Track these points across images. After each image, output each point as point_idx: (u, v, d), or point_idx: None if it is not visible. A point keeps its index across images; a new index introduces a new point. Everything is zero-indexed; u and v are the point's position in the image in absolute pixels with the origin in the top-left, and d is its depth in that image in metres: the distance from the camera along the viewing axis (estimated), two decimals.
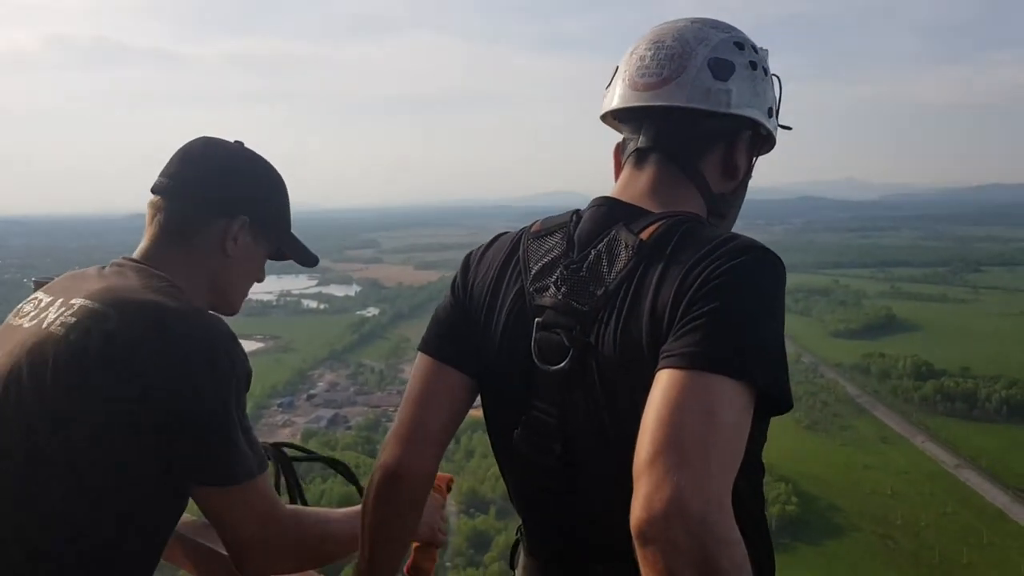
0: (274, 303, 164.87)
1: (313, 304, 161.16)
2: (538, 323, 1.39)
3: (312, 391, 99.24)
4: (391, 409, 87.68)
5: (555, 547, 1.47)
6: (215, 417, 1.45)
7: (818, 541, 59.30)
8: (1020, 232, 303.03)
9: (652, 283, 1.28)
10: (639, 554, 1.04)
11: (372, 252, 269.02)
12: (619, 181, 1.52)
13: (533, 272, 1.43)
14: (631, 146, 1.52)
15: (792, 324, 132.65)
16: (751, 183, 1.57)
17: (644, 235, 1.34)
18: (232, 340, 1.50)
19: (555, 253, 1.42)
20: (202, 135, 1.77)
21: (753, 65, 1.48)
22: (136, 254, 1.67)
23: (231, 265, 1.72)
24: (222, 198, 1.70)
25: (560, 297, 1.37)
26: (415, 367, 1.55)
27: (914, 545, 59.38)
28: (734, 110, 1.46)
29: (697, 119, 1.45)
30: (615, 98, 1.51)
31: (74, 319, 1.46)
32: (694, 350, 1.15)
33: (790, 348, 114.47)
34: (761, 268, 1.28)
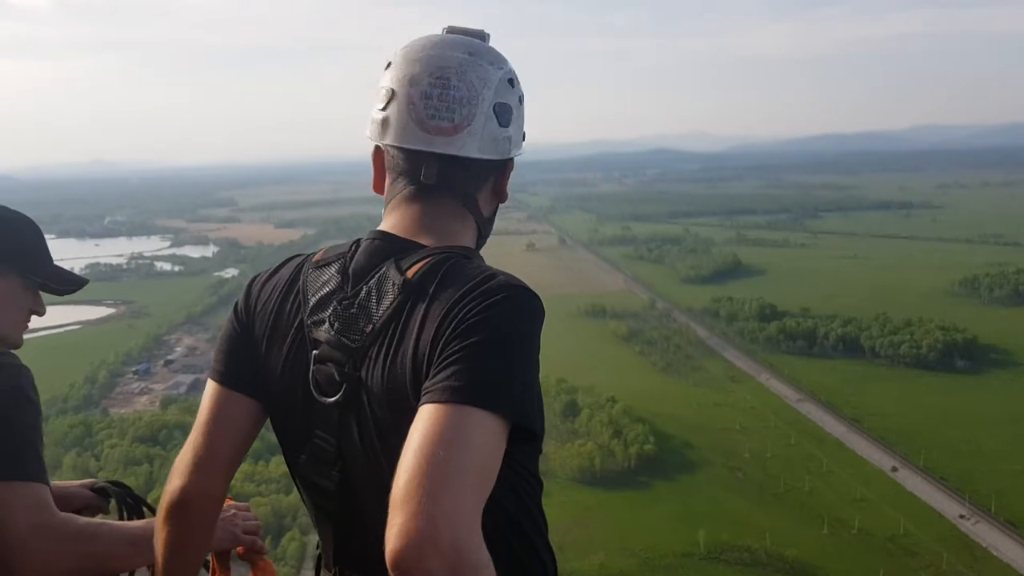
0: (124, 266, 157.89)
1: (167, 266, 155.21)
2: (315, 356, 1.47)
3: (170, 357, 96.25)
4: None
5: (345, 562, 1.57)
6: None
7: (673, 477, 62.27)
8: (854, 179, 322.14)
9: (416, 322, 1.37)
10: None
11: (228, 211, 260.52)
12: (397, 212, 1.57)
13: (311, 305, 1.50)
14: (403, 181, 1.57)
15: (646, 272, 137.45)
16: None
17: (410, 273, 1.43)
18: (6, 357, 1.81)
19: (331, 286, 1.50)
20: None
21: (520, 100, 1.61)
22: None
23: None
24: None
25: (333, 333, 1.45)
26: (205, 393, 1.61)
27: (761, 475, 63.20)
28: (512, 153, 1.61)
29: (482, 162, 1.56)
30: (403, 133, 1.54)
31: None
32: (447, 384, 1.25)
33: (645, 295, 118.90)
34: (515, 307, 1.35)
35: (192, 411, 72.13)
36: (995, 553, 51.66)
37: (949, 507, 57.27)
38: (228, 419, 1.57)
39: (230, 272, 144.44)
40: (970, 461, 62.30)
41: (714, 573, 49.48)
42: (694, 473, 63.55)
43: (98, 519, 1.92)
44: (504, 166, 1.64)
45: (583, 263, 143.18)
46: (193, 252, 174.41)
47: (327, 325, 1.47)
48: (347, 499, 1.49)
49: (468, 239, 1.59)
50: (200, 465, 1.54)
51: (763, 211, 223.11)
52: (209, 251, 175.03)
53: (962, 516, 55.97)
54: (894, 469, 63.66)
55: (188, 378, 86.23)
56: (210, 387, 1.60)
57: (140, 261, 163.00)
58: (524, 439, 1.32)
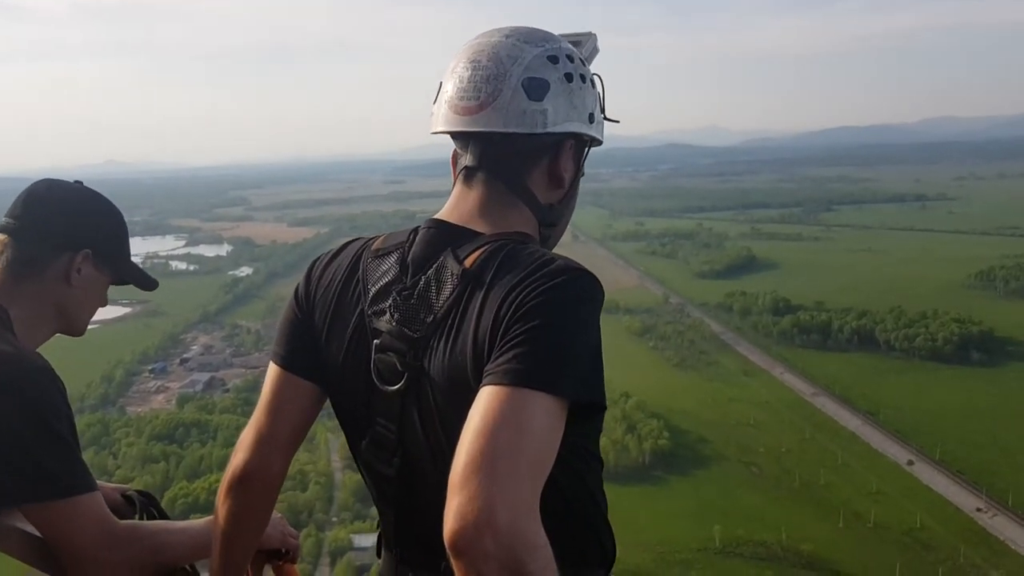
0: (140, 266, 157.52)
1: (182, 265, 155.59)
2: (376, 345, 1.48)
3: (186, 355, 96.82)
4: None
5: (405, 544, 1.60)
6: (21, 443, 1.63)
7: (688, 472, 62.35)
8: (867, 172, 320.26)
9: (475, 310, 1.37)
10: (453, 564, 1.13)
11: (242, 210, 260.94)
12: (451, 199, 1.59)
13: (371, 295, 1.51)
14: (461, 162, 1.58)
15: (659, 267, 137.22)
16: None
17: (468, 262, 1.42)
18: (42, 374, 1.70)
19: (390, 277, 1.51)
20: (44, 178, 1.98)
21: (568, 77, 1.53)
22: None
23: (75, 294, 1.92)
24: (66, 235, 1.89)
25: (394, 323, 1.46)
26: (267, 376, 1.65)
27: (776, 470, 63.20)
28: (551, 128, 1.51)
29: (517, 139, 1.50)
30: (439, 119, 1.56)
31: None
32: (508, 367, 1.24)
33: (658, 290, 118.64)
34: (574, 289, 1.34)
35: (207, 409, 72.90)
36: (1013, 547, 51.49)
37: (966, 500, 57.06)
38: (289, 401, 1.61)
39: (244, 271, 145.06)
40: (987, 454, 62.03)
41: (729, 568, 49.46)
42: (709, 468, 63.51)
43: (152, 523, 1.98)
44: (557, 148, 1.57)
45: (596, 259, 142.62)
46: (208, 251, 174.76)
47: (388, 315, 1.47)
48: (407, 484, 1.51)
49: (522, 224, 1.55)
50: (262, 443, 1.59)
51: (777, 205, 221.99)
52: (223, 250, 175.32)
53: (979, 509, 55.75)
54: (910, 462, 63.45)
55: (204, 376, 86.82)
56: (272, 370, 1.63)
57: (155, 260, 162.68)
58: (587, 416, 1.32)
